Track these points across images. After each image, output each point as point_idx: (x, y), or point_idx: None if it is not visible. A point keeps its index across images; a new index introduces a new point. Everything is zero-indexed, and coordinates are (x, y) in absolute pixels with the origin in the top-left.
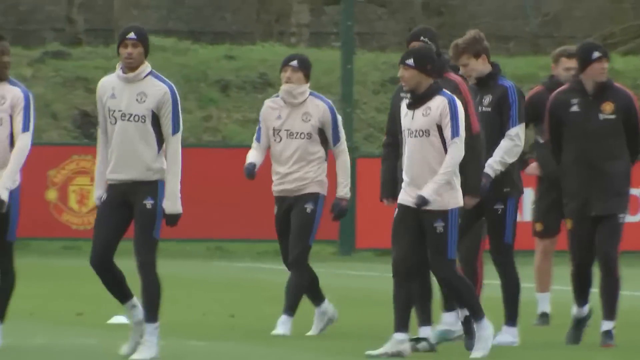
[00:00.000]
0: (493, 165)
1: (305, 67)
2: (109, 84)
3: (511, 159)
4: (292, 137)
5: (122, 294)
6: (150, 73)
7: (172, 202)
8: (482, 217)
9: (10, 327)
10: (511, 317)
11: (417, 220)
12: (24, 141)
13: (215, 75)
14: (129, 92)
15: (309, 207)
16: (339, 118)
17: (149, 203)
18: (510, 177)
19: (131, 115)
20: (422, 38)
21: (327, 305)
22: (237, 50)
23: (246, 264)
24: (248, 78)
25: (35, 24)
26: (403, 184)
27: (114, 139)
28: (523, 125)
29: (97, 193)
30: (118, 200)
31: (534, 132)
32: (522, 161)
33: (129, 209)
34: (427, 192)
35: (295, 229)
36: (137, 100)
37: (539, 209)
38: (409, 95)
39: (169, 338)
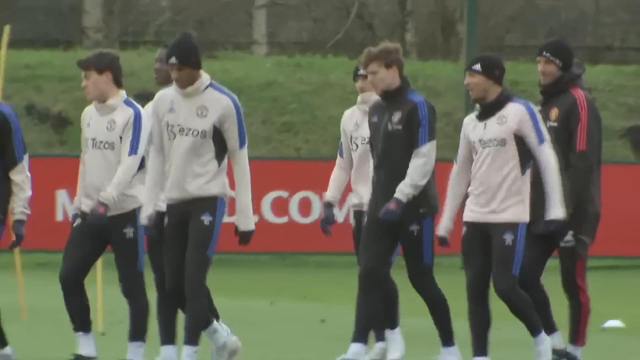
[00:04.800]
0: (403, 189)
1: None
2: (167, 97)
3: (422, 180)
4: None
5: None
6: (210, 85)
7: (244, 219)
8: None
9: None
10: (447, 337)
11: (486, 236)
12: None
13: None
14: (188, 106)
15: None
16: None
17: (206, 219)
18: (424, 196)
19: (190, 129)
20: (544, 53)
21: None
22: None
23: None
24: None
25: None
26: (470, 199)
27: (173, 155)
28: (434, 142)
29: (148, 211)
30: (179, 221)
31: None
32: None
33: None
34: (556, 211)
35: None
36: (197, 114)
37: None
38: (477, 105)
39: None
